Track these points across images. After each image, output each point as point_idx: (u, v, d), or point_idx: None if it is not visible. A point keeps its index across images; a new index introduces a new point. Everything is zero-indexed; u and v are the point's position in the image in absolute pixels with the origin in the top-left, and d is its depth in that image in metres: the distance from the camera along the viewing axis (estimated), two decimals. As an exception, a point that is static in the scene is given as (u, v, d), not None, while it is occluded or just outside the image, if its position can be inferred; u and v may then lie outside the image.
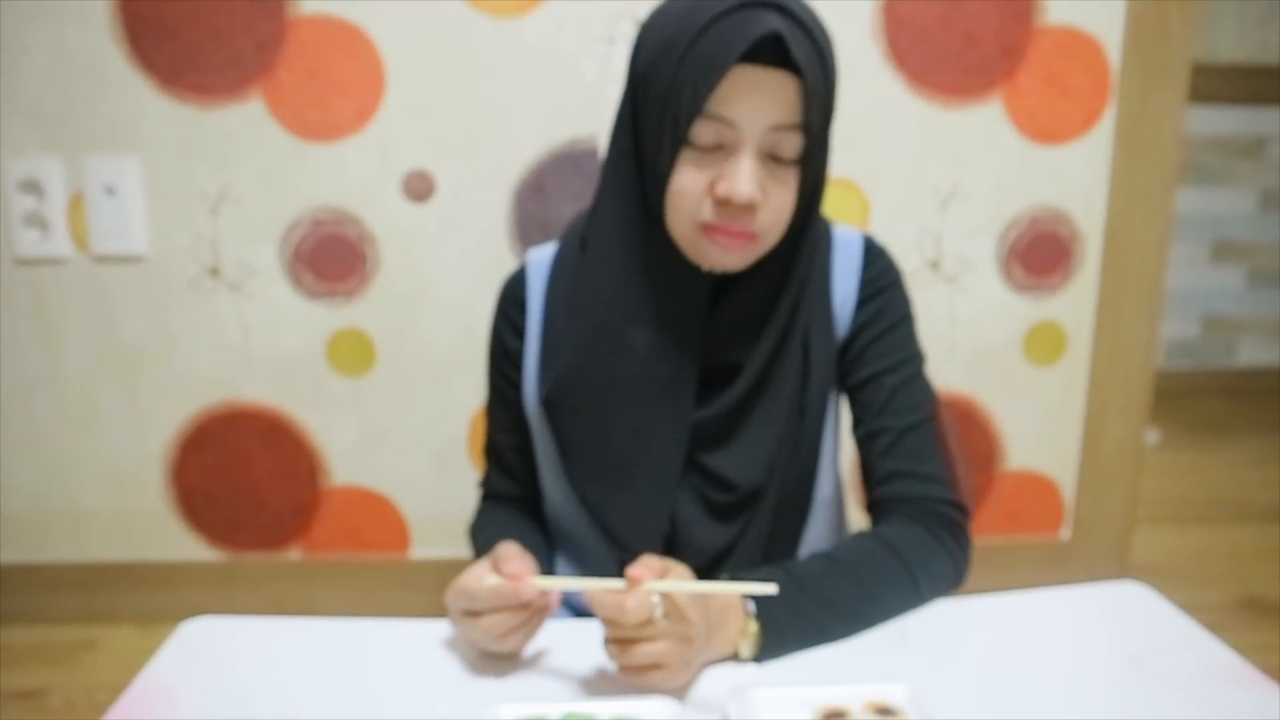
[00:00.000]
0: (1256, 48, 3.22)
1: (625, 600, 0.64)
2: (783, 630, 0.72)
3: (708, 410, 0.83)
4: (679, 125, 0.72)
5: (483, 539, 0.89)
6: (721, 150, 0.74)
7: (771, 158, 0.74)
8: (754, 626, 0.72)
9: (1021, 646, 0.76)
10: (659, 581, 0.67)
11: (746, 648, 0.72)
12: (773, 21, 0.70)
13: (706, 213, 0.74)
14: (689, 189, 0.74)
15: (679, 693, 0.68)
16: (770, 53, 0.71)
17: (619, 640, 0.66)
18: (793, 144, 0.74)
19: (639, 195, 0.79)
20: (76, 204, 1.55)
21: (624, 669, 0.67)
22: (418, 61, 1.52)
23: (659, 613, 0.65)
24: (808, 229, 0.82)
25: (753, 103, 0.72)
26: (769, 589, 0.66)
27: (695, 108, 0.71)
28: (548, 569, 0.93)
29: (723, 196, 0.73)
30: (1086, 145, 1.65)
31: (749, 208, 0.74)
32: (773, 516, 0.87)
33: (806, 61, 0.71)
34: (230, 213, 1.57)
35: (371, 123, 1.54)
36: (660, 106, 0.73)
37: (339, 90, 1.53)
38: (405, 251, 1.59)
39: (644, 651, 0.65)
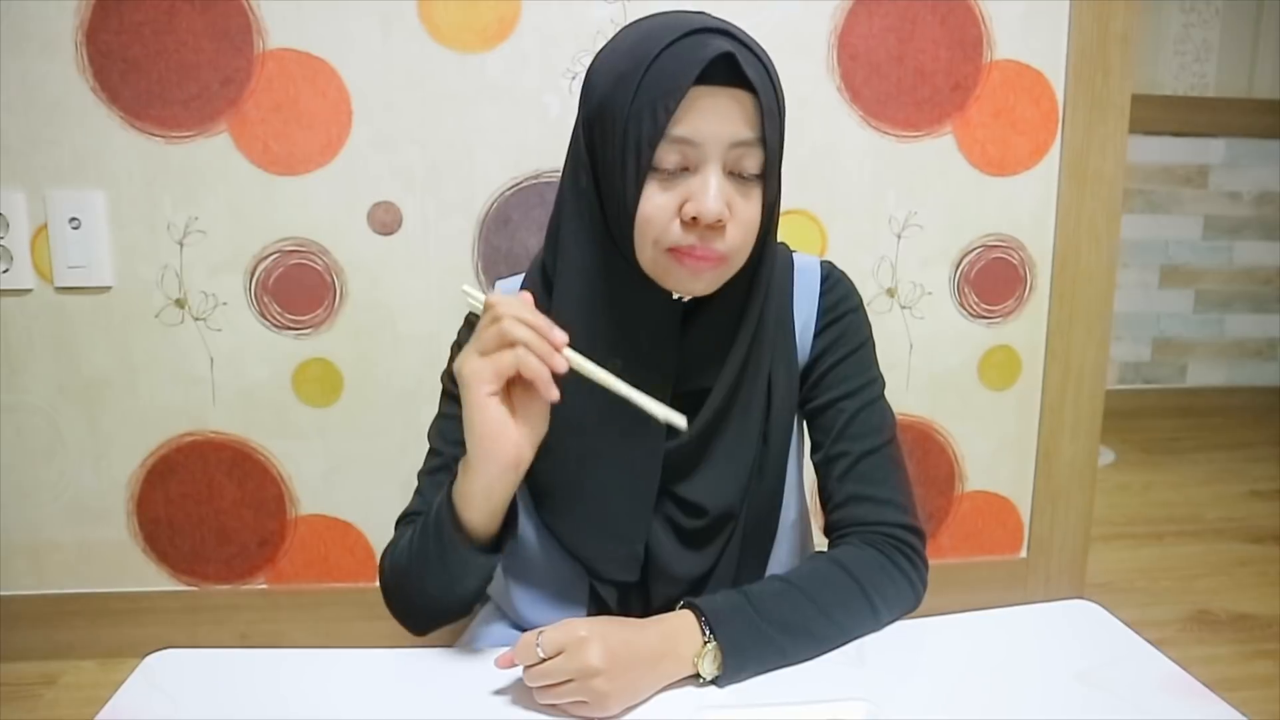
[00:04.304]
0: (1195, 81, 3.35)
1: (514, 654, 0.72)
2: (742, 652, 0.74)
3: (677, 438, 0.84)
4: (642, 151, 0.74)
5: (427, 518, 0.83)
6: (686, 172, 0.75)
7: (735, 174, 0.76)
8: (711, 646, 0.74)
9: (976, 664, 0.78)
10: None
11: (708, 668, 0.74)
12: (723, 43, 0.73)
13: (675, 236, 0.75)
14: (656, 214, 0.75)
15: (625, 714, 0.71)
16: (723, 73, 0.73)
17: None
18: (754, 159, 0.76)
19: (603, 231, 0.80)
20: (40, 236, 1.54)
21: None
22: (384, 96, 1.55)
23: (541, 653, 0.70)
24: (766, 251, 0.84)
25: (713, 120, 0.73)
26: (680, 420, 0.74)
27: (657, 132, 0.73)
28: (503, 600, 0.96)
29: (691, 216, 0.74)
30: (1036, 175, 1.70)
31: (717, 226, 0.75)
32: (742, 541, 0.89)
33: (758, 78, 0.74)
34: (196, 244, 1.57)
35: (338, 156, 1.56)
36: (621, 137, 0.75)
37: (306, 124, 1.54)
38: (372, 283, 1.61)
39: (554, 692, 0.70)
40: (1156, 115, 3.25)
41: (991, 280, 1.74)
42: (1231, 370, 3.62)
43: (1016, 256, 1.73)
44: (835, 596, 0.81)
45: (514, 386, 0.74)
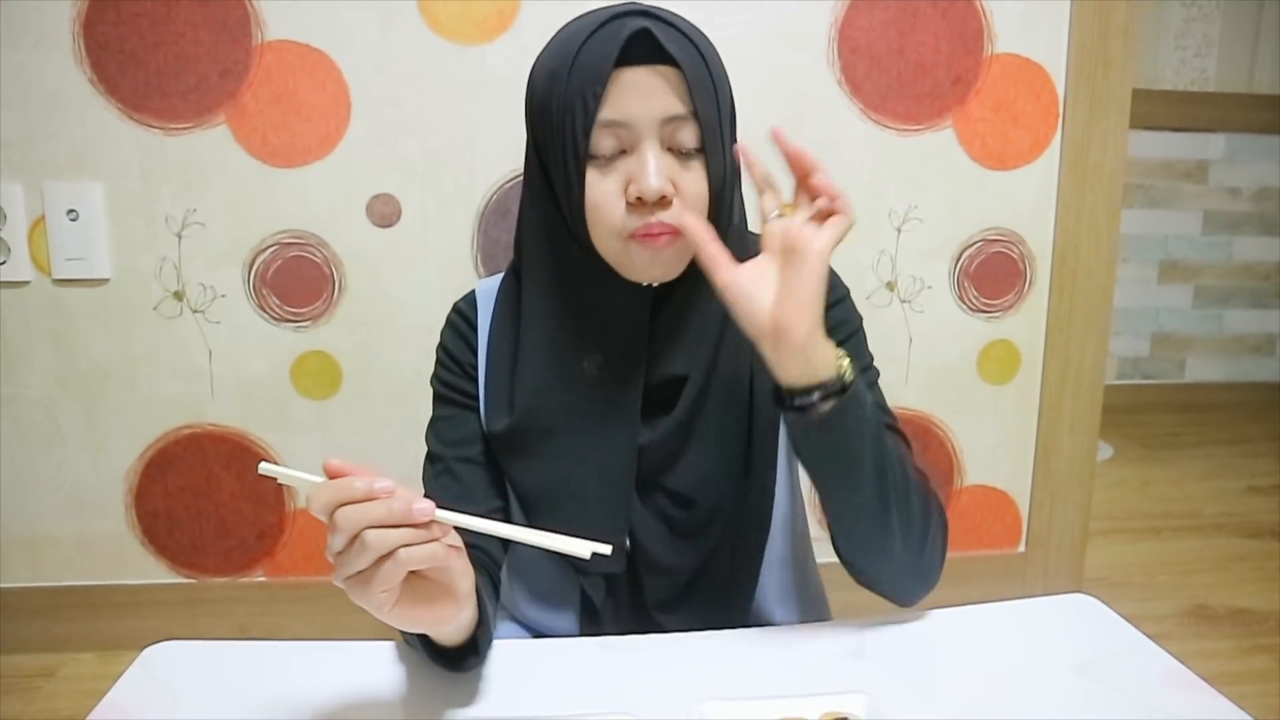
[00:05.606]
0: (1195, 76, 3.34)
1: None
2: (845, 417, 0.73)
3: (658, 428, 0.83)
4: (578, 141, 0.75)
5: None
6: (624, 154, 0.76)
7: (674, 151, 0.76)
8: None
9: (975, 658, 0.78)
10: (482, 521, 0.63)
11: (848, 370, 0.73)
12: (639, 22, 0.74)
13: (627, 220, 0.76)
14: (602, 200, 0.76)
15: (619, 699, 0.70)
16: (645, 52, 0.74)
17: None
18: (690, 133, 0.76)
19: (562, 228, 0.81)
20: (38, 228, 1.54)
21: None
22: (383, 88, 1.54)
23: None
24: (726, 231, 0.81)
25: (639, 99, 0.74)
26: (604, 549, 0.65)
27: (589, 119, 0.74)
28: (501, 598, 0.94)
29: (635, 197, 0.74)
30: (1036, 170, 1.70)
31: (663, 203, 0.75)
32: (735, 530, 0.88)
33: (681, 52, 0.74)
34: (195, 237, 1.57)
35: (337, 147, 1.55)
36: (559, 131, 0.76)
37: (304, 115, 1.54)
38: (371, 275, 1.60)
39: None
40: (1157, 110, 3.24)
41: (991, 274, 1.73)
42: (1230, 366, 3.62)
43: (1016, 251, 1.73)
44: (908, 468, 0.80)
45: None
